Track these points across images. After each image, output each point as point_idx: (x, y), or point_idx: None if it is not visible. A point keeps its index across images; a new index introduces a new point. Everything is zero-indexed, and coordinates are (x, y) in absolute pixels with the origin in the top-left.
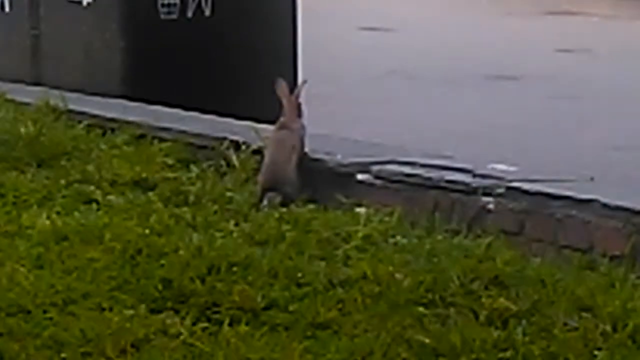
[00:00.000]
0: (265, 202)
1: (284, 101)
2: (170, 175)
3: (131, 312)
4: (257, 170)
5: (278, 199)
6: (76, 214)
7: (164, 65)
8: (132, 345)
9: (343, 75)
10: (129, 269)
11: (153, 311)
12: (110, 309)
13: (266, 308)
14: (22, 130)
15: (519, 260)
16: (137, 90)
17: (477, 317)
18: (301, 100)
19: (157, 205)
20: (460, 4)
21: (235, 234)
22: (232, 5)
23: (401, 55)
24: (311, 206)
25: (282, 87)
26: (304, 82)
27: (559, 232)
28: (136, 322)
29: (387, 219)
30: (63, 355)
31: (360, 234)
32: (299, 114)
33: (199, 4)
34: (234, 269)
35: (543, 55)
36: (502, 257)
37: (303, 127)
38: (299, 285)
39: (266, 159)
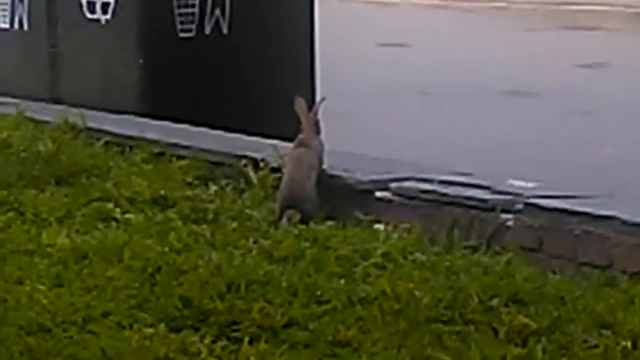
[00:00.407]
0: (284, 219)
1: (302, 119)
2: (189, 193)
3: (151, 330)
4: (275, 188)
5: (297, 217)
6: (95, 232)
7: (182, 83)
8: None
9: (361, 92)
10: (148, 287)
11: (173, 330)
12: (130, 328)
13: (286, 326)
14: (41, 148)
15: (538, 277)
16: (156, 107)
17: (496, 334)
18: (319, 117)
19: (176, 223)
20: (476, 20)
21: (254, 252)
22: (250, 22)
23: (419, 71)
24: (330, 223)
25: (300, 104)
26: (322, 99)
27: (578, 248)
28: (156, 341)
29: (405, 235)
30: None
31: (379, 251)
32: (317, 131)
33: (217, 22)
34: (253, 286)
35: (560, 71)
36: (522, 274)
37: (321, 145)
38: (319, 303)
39: (285, 177)
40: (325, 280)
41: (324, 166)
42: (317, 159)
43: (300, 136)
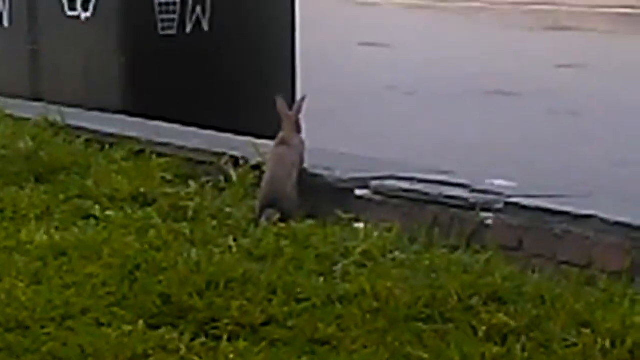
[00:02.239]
0: (263, 218)
1: (283, 117)
2: (169, 190)
3: (130, 327)
4: (255, 186)
5: (277, 216)
6: (75, 229)
7: (163, 80)
8: None
9: (342, 91)
10: (127, 284)
11: (151, 327)
12: (109, 325)
13: (265, 323)
14: (21, 145)
15: (517, 275)
16: (136, 105)
17: (475, 332)
18: (300, 116)
19: (155, 221)
20: (458, 20)
21: (233, 250)
22: (231, 20)
23: (400, 71)
24: (310, 222)
25: (281, 103)
26: (303, 98)
27: (558, 247)
28: (135, 338)
29: (385, 234)
30: None
31: (359, 250)
32: (298, 129)
33: (198, 19)
34: (233, 284)
35: (542, 71)
36: (501, 273)
37: (302, 143)
38: (298, 301)
39: (266, 175)
40: (305, 278)
41: (305, 165)
42: (298, 157)
43: (281, 134)
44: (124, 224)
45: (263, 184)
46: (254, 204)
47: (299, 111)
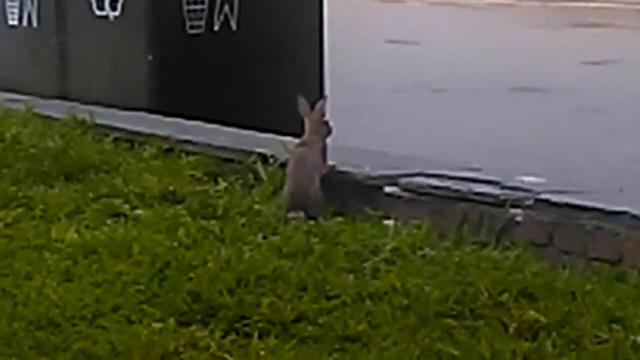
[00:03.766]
0: (289, 220)
1: (305, 118)
2: (198, 188)
3: (160, 325)
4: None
5: (302, 219)
6: (104, 227)
7: (191, 79)
8: (162, 358)
9: (370, 88)
10: (157, 282)
11: (182, 324)
12: (139, 322)
13: (295, 321)
14: (50, 144)
15: (548, 272)
16: (164, 103)
17: (506, 329)
18: (327, 116)
19: (185, 219)
20: (486, 17)
21: (263, 247)
22: (259, 19)
23: (428, 68)
24: (339, 219)
25: (302, 104)
26: (325, 98)
27: (588, 243)
28: (165, 335)
29: (415, 231)
30: None
31: (388, 247)
32: (327, 130)
33: (226, 18)
34: (263, 281)
35: (569, 67)
36: (531, 269)
37: (324, 142)
38: (328, 298)
39: (288, 179)
40: (335, 276)
41: (333, 163)
42: (319, 158)
43: (304, 137)
44: (153, 222)
45: (285, 187)
46: (282, 202)
47: (321, 112)
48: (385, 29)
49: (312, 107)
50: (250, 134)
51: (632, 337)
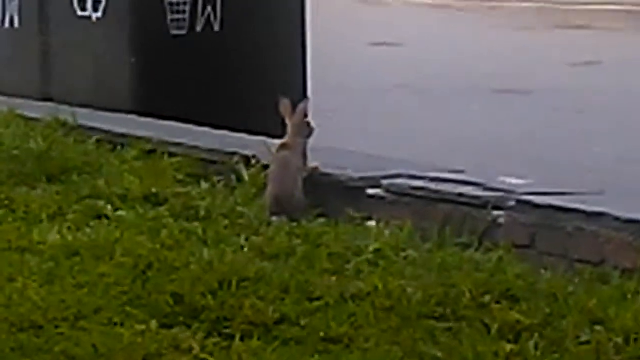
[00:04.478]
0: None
1: (287, 120)
2: (181, 190)
3: (143, 327)
4: (267, 186)
5: (286, 220)
6: (87, 229)
7: (174, 80)
8: None
9: (353, 89)
10: (140, 284)
11: (164, 326)
12: (122, 324)
13: (278, 322)
14: (32, 145)
15: (530, 273)
16: (147, 105)
17: (489, 330)
18: (309, 117)
19: (167, 220)
20: (468, 19)
21: (246, 249)
22: (242, 20)
23: (410, 70)
24: (322, 220)
25: (285, 105)
26: (306, 100)
27: (571, 245)
28: (148, 337)
29: (397, 232)
30: None
31: (371, 248)
32: (310, 130)
33: (208, 19)
34: (245, 283)
35: (552, 69)
36: (514, 271)
37: (305, 145)
38: (311, 300)
39: (271, 183)
40: (317, 277)
41: (312, 165)
42: (302, 161)
43: (286, 139)
44: (136, 223)
45: (269, 189)
46: (264, 205)
47: (303, 113)
48: (369, 30)
49: (294, 108)
50: (232, 136)
51: (614, 339)
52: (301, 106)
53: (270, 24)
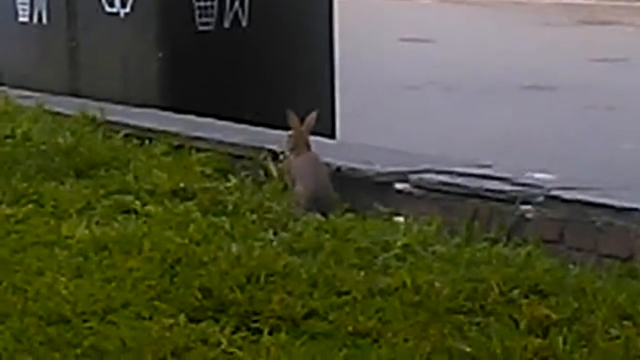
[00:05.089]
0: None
1: (295, 132)
2: (209, 185)
3: (171, 321)
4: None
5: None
6: (115, 223)
7: (201, 76)
8: (172, 354)
9: (381, 86)
10: (168, 278)
11: (193, 320)
12: (150, 318)
13: (306, 317)
14: (61, 141)
15: (558, 268)
16: (175, 100)
17: (517, 325)
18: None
19: (195, 215)
20: (496, 15)
21: (274, 243)
22: (270, 16)
23: (439, 66)
24: (350, 215)
25: (293, 118)
26: (314, 113)
27: (599, 240)
28: (176, 331)
29: (425, 228)
30: None
31: (399, 243)
32: (308, 147)
33: (236, 15)
34: (273, 278)
35: (579, 65)
36: (542, 266)
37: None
38: (339, 294)
39: (307, 182)
40: (345, 272)
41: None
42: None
43: (296, 150)
44: (164, 218)
45: (304, 187)
46: (295, 203)
47: (309, 129)
48: (398, 26)
49: (302, 120)
50: (260, 131)
51: None
52: (310, 119)
53: (297, 20)
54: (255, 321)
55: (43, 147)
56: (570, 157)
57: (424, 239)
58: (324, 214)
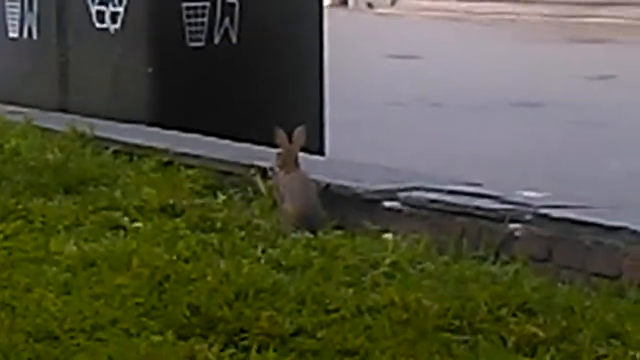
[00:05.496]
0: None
1: (283, 150)
2: (198, 201)
3: (159, 338)
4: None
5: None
6: (103, 240)
7: (191, 92)
8: None
9: (370, 102)
10: (156, 295)
11: (181, 337)
12: (138, 335)
13: (294, 334)
14: (49, 156)
15: (547, 287)
16: (164, 117)
17: (505, 343)
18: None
19: (184, 232)
20: (485, 32)
21: (262, 260)
22: (259, 32)
23: (428, 83)
24: (338, 233)
25: (281, 136)
26: (302, 128)
27: (588, 258)
28: (164, 348)
29: (414, 245)
30: None
31: (387, 261)
32: (297, 163)
33: (226, 31)
34: (262, 295)
35: (568, 82)
36: (530, 284)
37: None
38: (327, 312)
39: (295, 200)
40: (334, 289)
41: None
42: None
43: (286, 167)
44: (152, 235)
45: (292, 205)
46: (283, 221)
47: (298, 145)
48: (386, 43)
49: (290, 137)
50: (249, 147)
51: (631, 353)
52: (299, 135)
53: (287, 36)
54: (243, 338)
55: (32, 162)
56: (559, 174)
57: (412, 256)
58: (312, 232)
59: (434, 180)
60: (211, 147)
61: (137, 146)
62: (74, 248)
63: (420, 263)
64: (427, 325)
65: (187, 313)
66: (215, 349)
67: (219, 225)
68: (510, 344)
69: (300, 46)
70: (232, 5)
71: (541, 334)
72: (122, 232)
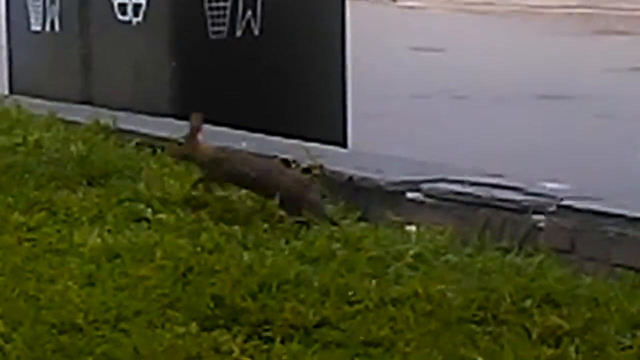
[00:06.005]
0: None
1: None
2: (221, 193)
3: (183, 329)
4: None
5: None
6: (127, 232)
7: (213, 84)
8: None
9: (394, 95)
10: (180, 286)
11: (205, 329)
12: (162, 327)
13: (318, 326)
14: (73, 149)
15: (570, 278)
16: (187, 109)
17: (529, 335)
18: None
19: (207, 224)
20: (509, 24)
21: (286, 252)
22: (282, 24)
23: (451, 75)
24: (362, 224)
25: (196, 119)
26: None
27: (612, 250)
28: (188, 340)
29: (438, 237)
30: None
31: (411, 252)
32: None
33: (248, 24)
34: (285, 286)
35: (593, 75)
36: (554, 275)
37: None
38: (351, 303)
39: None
40: (358, 281)
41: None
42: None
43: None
44: (176, 226)
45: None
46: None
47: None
48: (409, 35)
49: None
50: (272, 140)
51: None
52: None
53: (310, 28)
54: (267, 330)
55: (55, 155)
56: (584, 167)
57: (436, 248)
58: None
59: (457, 172)
60: (233, 138)
61: (160, 138)
62: (98, 240)
63: (443, 255)
64: (450, 316)
65: (211, 304)
66: (238, 340)
67: (242, 217)
68: (534, 336)
69: (323, 38)
70: None
71: (565, 325)
72: (145, 224)
